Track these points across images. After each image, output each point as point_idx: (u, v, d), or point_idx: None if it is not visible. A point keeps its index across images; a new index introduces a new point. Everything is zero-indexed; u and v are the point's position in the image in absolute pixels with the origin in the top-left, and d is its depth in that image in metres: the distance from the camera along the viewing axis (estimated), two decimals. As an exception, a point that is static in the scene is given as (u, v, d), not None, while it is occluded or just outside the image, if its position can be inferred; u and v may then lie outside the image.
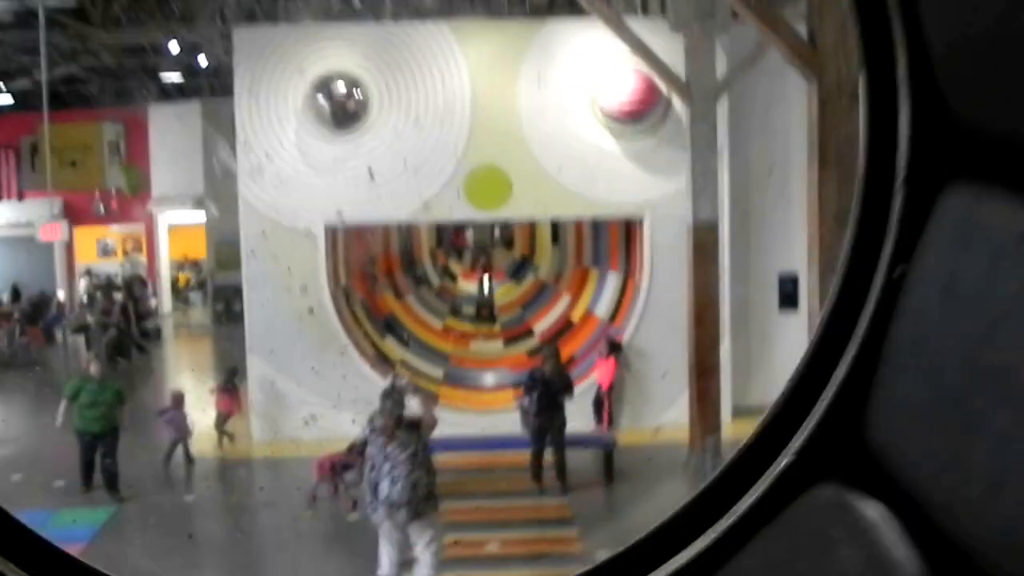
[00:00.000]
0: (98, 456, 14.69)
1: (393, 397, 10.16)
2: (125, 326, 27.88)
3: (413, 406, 10.34)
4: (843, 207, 8.82)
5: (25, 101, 34.44)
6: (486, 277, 20.01)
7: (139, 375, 21.15)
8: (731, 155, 17.27)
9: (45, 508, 14.15)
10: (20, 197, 38.23)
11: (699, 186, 14.85)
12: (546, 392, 14.16)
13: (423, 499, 10.02)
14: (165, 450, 16.02)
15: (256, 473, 16.61)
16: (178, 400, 16.26)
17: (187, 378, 26.81)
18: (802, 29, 10.19)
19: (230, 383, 17.98)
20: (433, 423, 10.63)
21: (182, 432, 16.12)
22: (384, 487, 9.84)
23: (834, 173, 8.85)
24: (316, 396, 17.46)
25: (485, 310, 19.40)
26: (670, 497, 14.38)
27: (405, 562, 10.20)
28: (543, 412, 14.12)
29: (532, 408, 14.17)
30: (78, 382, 15.08)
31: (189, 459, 16.05)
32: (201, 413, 20.82)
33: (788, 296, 18.58)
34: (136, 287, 37.22)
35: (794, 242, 18.17)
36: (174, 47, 31.36)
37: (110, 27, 28.62)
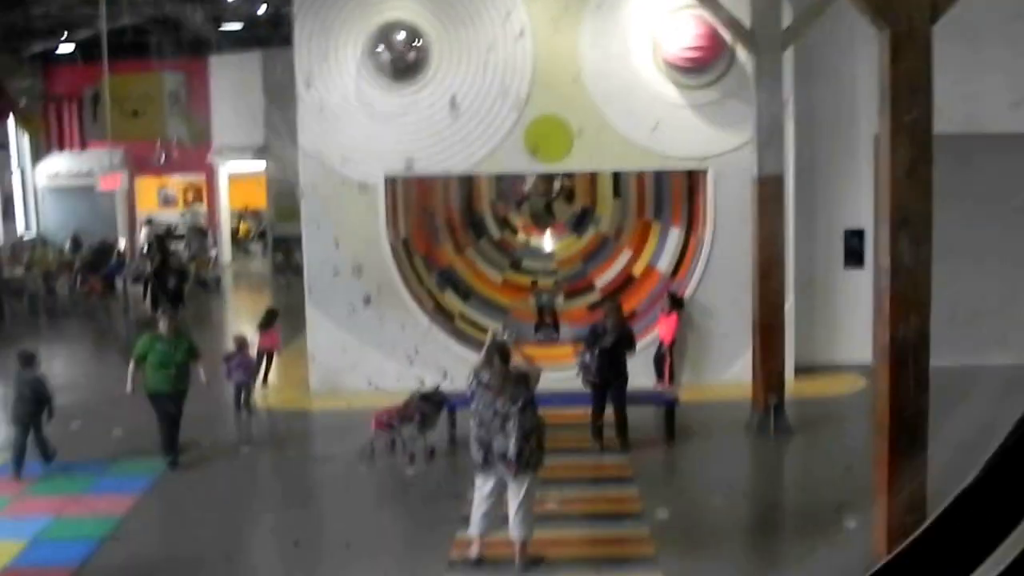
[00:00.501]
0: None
1: (500, 352, 10.05)
2: (184, 275, 27.93)
3: (517, 359, 10.23)
4: (913, 160, 8.58)
5: (87, 52, 34.56)
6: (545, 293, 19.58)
7: (198, 324, 21.09)
8: (797, 107, 16.95)
9: (103, 457, 14.28)
10: (83, 147, 38.55)
11: (764, 139, 14.57)
12: (607, 348, 13.98)
13: (535, 451, 10.01)
14: (233, 397, 16.04)
15: (313, 425, 16.61)
16: (241, 344, 16.24)
17: (246, 329, 27.00)
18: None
19: (268, 323, 18.43)
20: (539, 375, 10.57)
21: (249, 375, 16.15)
22: (499, 442, 9.82)
23: (905, 125, 8.59)
24: (374, 349, 17.46)
25: (549, 317, 19.09)
26: (732, 457, 14.25)
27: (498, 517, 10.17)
28: (604, 368, 13.96)
29: (593, 364, 14.00)
30: (147, 341, 14.15)
31: (249, 409, 16.05)
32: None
33: (854, 252, 18.30)
34: (196, 237, 37.49)
35: (861, 197, 17.90)
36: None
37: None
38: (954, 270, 12.53)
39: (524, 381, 10.08)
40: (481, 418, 9.94)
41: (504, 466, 9.85)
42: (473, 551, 10.15)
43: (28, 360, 13.91)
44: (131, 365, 13.96)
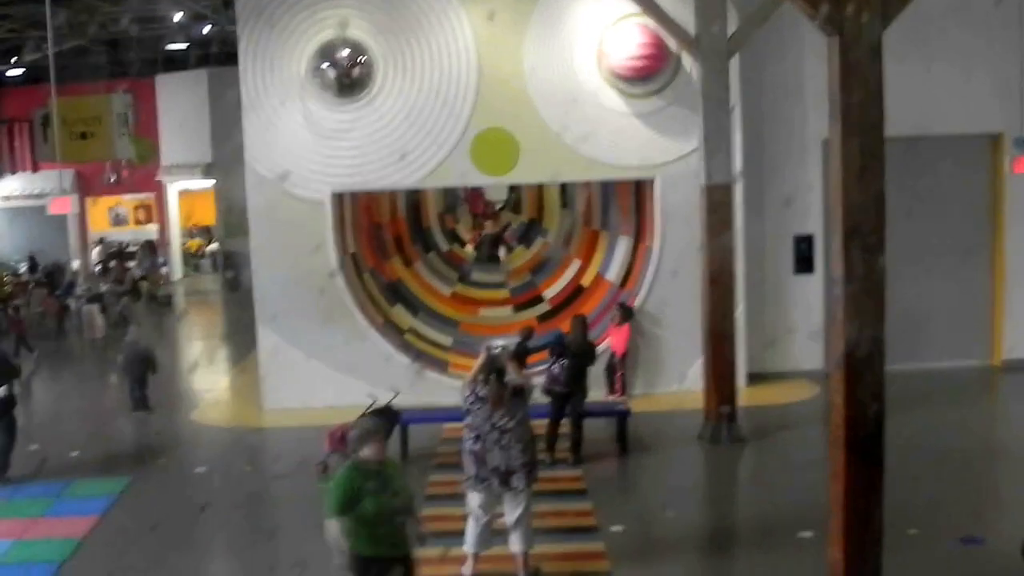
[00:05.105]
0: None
1: (496, 366, 9.99)
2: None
3: (511, 373, 10.18)
4: (864, 165, 8.55)
5: (35, 74, 34.44)
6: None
7: (156, 342, 20.93)
8: (744, 113, 16.98)
9: (61, 479, 14.19)
10: (35, 169, 38.43)
11: (711, 146, 14.54)
12: (572, 360, 13.93)
13: (532, 464, 10.02)
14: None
15: (266, 443, 16.46)
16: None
17: (197, 345, 26.82)
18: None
19: None
20: (532, 388, 10.61)
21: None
22: (495, 456, 9.80)
23: (856, 130, 8.55)
24: (325, 364, 17.35)
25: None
26: (685, 467, 14.20)
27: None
28: (569, 380, 13.91)
29: (562, 375, 13.95)
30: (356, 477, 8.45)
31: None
32: (210, 383, 20.84)
33: (803, 258, 18.34)
34: (147, 255, 37.36)
35: (810, 203, 17.97)
36: (180, 16, 31.26)
37: (117, -2, 28.53)
38: (902, 273, 12.57)
39: (520, 395, 10.04)
40: (478, 432, 9.88)
41: (499, 480, 9.82)
42: (467, 570, 10.05)
43: None
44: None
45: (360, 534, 7.76)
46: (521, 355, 15.06)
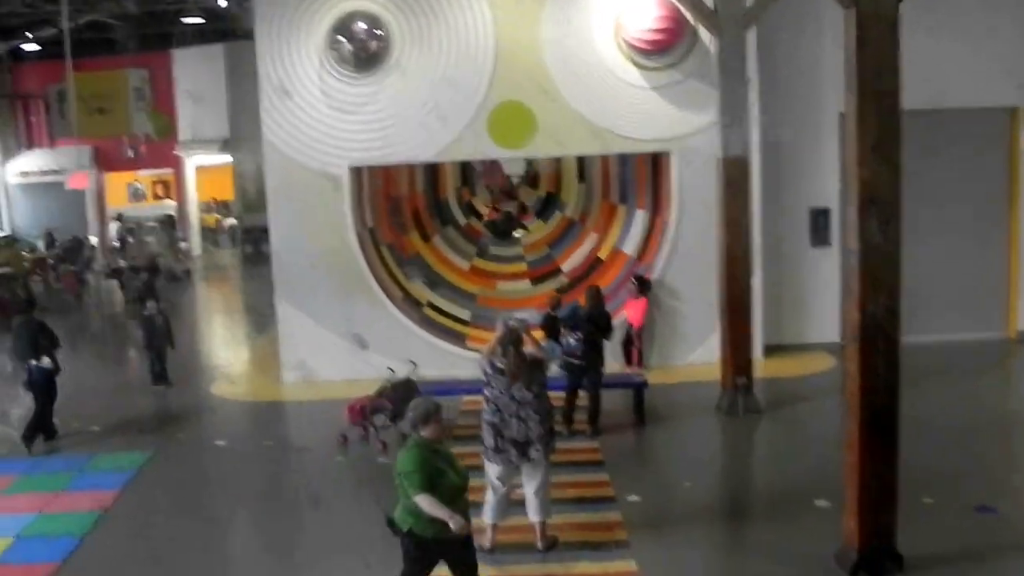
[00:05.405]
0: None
1: (514, 338, 10.08)
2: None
3: (529, 346, 10.27)
4: (880, 137, 8.58)
5: (51, 50, 34.42)
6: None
7: (173, 317, 21.05)
8: (761, 86, 16.96)
9: (83, 453, 14.37)
10: (52, 145, 38.50)
11: (728, 119, 14.55)
12: (589, 332, 14.01)
13: (550, 435, 10.14)
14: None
15: (286, 416, 16.59)
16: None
17: (216, 319, 26.93)
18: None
19: None
20: (550, 360, 10.76)
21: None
22: (513, 427, 9.91)
23: (872, 102, 8.59)
24: (344, 338, 17.47)
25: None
26: (702, 438, 14.28)
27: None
28: (583, 353, 14.00)
29: (579, 347, 14.02)
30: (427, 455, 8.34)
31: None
32: (229, 356, 20.97)
33: (820, 231, 18.36)
34: (166, 230, 37.44)
35: (826, 175, 17.99)
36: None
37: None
38: (917, 245, 12.60)
39: (538, 366, 10.14)
40: (497, 403, 9.97)
41: (517, 451, 9.92)
42: (487, 540, 10.12)
43: None
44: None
45: (428, 515, 7.61)
46: (550, 325, 15.13)
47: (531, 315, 13.95)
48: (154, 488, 12.92)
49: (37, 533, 11.43)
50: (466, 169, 19.52)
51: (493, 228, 19.69)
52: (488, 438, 10.05)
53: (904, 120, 8.67)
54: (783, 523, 10.73)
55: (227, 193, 39.97)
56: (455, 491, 7.76)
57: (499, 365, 10.00)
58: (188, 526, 11.50)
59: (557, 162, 19.14)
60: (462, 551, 7.99)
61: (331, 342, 17.52)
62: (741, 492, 12.36)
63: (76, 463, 13.92)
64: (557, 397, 12.97)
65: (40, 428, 14.73)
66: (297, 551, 10.65)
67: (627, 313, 17.34)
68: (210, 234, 41.97)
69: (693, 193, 17.06)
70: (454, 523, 7.46)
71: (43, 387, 14.74)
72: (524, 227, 19.65)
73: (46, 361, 14.71)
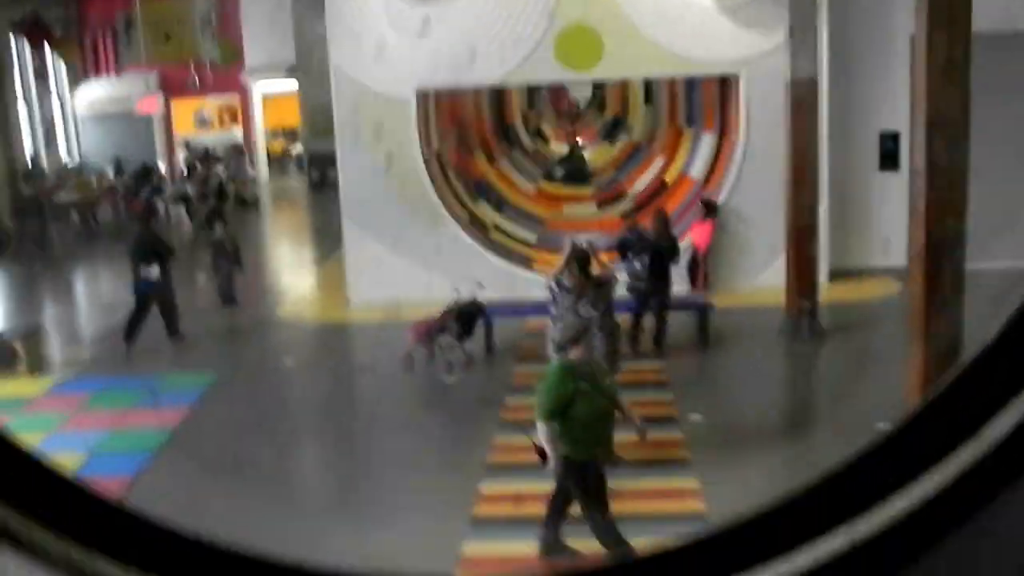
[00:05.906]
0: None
1: (581, 257, 10.19)
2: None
3: (595, 267, 10.42)
4: (952, 61, 8.50)
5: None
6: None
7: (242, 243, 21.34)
8: (830, 7, 16.74)
9: (153, 372, 14.75)
10: (118, 73, 38.79)
11: (797, 41, 14.42)
12: (655, 255, 14.05)
13: (614, 353, 10.32)
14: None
15: (352, 338, 16.81)
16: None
17: (283, 243, 27.25)
18: None
19: None
20: (616, 281, 10.87)
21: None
22: None
23: (943, 24, 8.50)
24: (410, 260, 17.59)
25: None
26: (765, 361, 14.31)
27: None
28: (649, 277, 14.04)
29: (644, 271, 14.07)
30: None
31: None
32: (297, 283, 21.21)
33: (889, 155, 18.16)
34: (233, 157, 37.71)
35: (896, 99, 17.74)
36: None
37: None
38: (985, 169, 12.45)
39: (604, 287, 10.23)
40: (563, 321, 10.05)
41: None
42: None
43: None
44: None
45: (574, 437, 7.71)
46: (624, 247, 15.05)
47: (598, 238, 13.99)
48: (222, 407, 13.20)
49: (109, 450, 11.75)
50: (533, 94, 19.48)
51: (568, 160, 19.71)
52: (553, 356, 10.16)
53: (975, 42, 8.58)
54: (844, 445, 10.71)
55: (293, 119, 40.13)
56: (592, 417, 7.77)
57: (566, 283, 10.10)
58: (253, 442, 11.76)
59: (623, 85, 19.06)
60: (597, 481, 8.08)
61: (397, 264, 17.64)
62: (802, 414, 12.43)
63: (147, 382, 14.23)
64: (624, 319, 13.09)
65: (130, 333, 15.38)
66: (362, 460, 10.86)
67: (693, 236, 17.32)
68: (276, 161, 42.22)
69: (761, 116, 16.92)
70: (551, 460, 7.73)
71: (143, 297, 15.52)
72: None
73: (155, 272, 15.44)
